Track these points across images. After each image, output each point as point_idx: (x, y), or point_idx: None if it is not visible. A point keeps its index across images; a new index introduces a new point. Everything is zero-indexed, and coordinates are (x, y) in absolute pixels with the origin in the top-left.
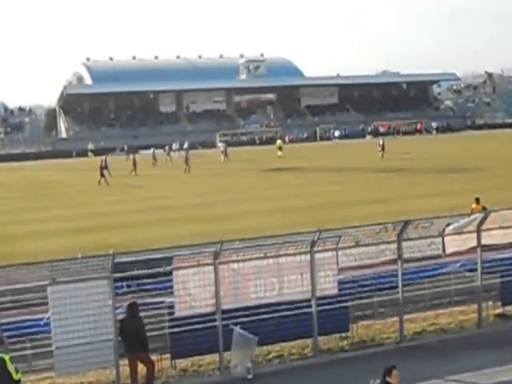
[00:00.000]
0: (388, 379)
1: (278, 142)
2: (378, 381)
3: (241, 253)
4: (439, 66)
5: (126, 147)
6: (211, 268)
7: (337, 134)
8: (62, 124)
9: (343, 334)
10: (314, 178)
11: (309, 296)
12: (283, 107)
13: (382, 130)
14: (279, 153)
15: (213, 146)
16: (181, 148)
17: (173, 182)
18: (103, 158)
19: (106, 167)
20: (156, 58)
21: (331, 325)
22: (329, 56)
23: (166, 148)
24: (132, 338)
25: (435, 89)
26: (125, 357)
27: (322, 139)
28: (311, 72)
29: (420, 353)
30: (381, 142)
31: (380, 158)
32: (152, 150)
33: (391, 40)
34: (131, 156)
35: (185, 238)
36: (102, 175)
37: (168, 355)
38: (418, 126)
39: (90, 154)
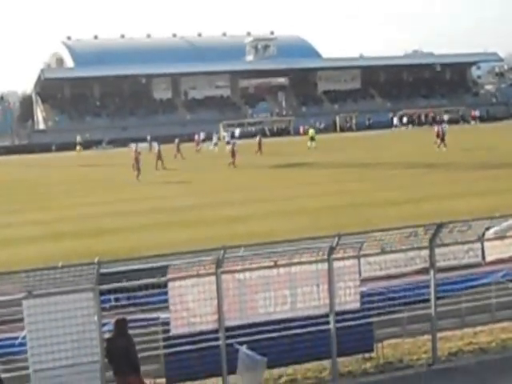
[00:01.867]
0: None
1: (311, 131)
2: None
3: (247, 261)
4: (479, 45)
5: (148, 138)
6: (213, 279)
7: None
8: (39, 113)
9: (366, 355)
10: (335, 175)
11: (326, 311)
12: (297, 93)
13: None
14: (311, 144)
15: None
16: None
17: (184, 178)
18: (134, 148)
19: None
20: (148, 36)
21: (352, 344)
22: (350, 34)
23: (196, 138)
24: (120, 359)
25: (474, 71)
26: (113, 381)
27: (342, 130)
28: (329, 53)
29: (456, 376)
30: (439, 131)
31: (437, 150)
32: (176, 140)
33: (423, 15)
34: (156, 148)
35: (183, 244)
36: (138, 169)
37: (163, 379)
38: (472, 114)
39: (78, 147)
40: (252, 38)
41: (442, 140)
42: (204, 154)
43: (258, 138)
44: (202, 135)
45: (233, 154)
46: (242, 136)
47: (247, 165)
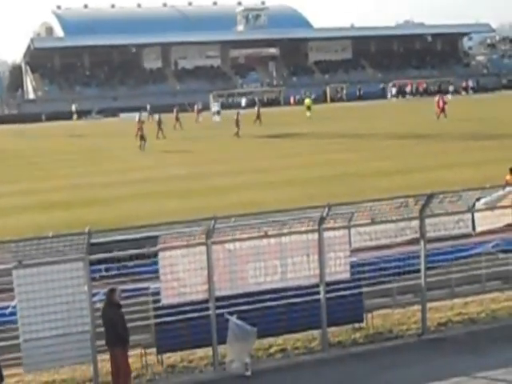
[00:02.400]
0: None
1: (307, 100)
2: None
3: (238, 231)
4: (471, 16)
5: (148, 107)
6: (203, 249)
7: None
8: (28, 83)
9: (356, 325)
10: (325, 145)
11: (316, 281)
12: (287, 63)
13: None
14: (308, 113)
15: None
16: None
17: (180, 148)
18: (138, 117)
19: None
20: (139, 6)
21: (342, 314)
22: (341, 4)
23: (195, 107)
24: (108, 329)
25: (466, 42)
26: (105, 350)
27: (332, 100)
28: (320, 23)
29: (445, 346)
30: (440, 102)
31: (436, 119)
32: (175, 109)
33: None
34: (156, 117)
35: (173, 214)
36: (142, 138)
37: (154, 349)
38: (464, 84)
39: (74, 116)
40: (243, 8)
41: (442, 110)
42: (202, 124)
43: (256, 108)
44: (200, 105)
45: (237, 123)
46: (231, 106)
47: (244, 135)
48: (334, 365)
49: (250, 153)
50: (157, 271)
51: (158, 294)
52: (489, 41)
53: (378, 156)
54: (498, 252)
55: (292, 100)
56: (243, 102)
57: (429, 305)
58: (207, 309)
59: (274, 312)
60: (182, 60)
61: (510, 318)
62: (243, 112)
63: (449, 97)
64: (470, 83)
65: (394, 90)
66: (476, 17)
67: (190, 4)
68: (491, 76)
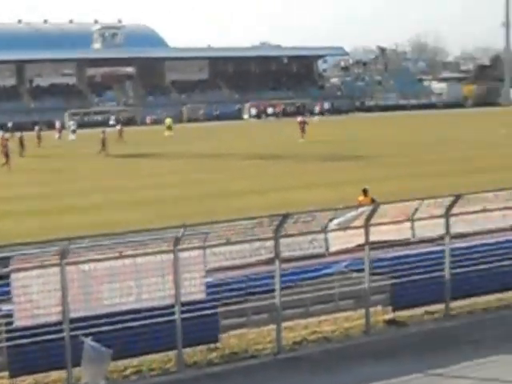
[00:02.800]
0: None
1: (168, 120)
2: None
3: (92, 252)
4: (327, 40)
5: (9, 124)
6: (57, 270)
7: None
8: None
9: (212, 345)
10: (179, 166)
11: (172, 301)
12: (144, 83)
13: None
14: (167, 133)
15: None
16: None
17: (37, 166)
18: (2, 135)
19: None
20: None
21: (198, 335)
22: (198, 25)
23: (57, 125)
24: None
25: (320, 65)
26: None
27: (189, 120)
28: (177, 43)
29: (300, 365)
30: (302, 122)
31: (299, 140)
32: (37, 128)
33: (272, 8)
34: (17, 135)
35: (24, 234)
36: (7, 155)
37: (6, 372)
38: (319, 108)
39: None
40: (99, 26)
41: (302, 131)
42: (61, 143)
43: (119, 127)
44: (60, 123)
45: (103, 142)
46: (87, 125)
47: (103, 154)
48: None
49: (107, 172)
50: (9, 293)
51: (10, 316)
52: (343, 64)
53: (233, 176)
54: (350, 271)
55: (148, 120)
56: (112, 120)
57: (284, 324)
58: (61, 331)
59: (130, 333)
60: (37, 78)
61: (363, 336)
62: (88, 131)
63: (316, 118)
64: (326, 105)
65: (253, 111)
66: (331, 40)
67: (45, 21)
68: (345, 98)
